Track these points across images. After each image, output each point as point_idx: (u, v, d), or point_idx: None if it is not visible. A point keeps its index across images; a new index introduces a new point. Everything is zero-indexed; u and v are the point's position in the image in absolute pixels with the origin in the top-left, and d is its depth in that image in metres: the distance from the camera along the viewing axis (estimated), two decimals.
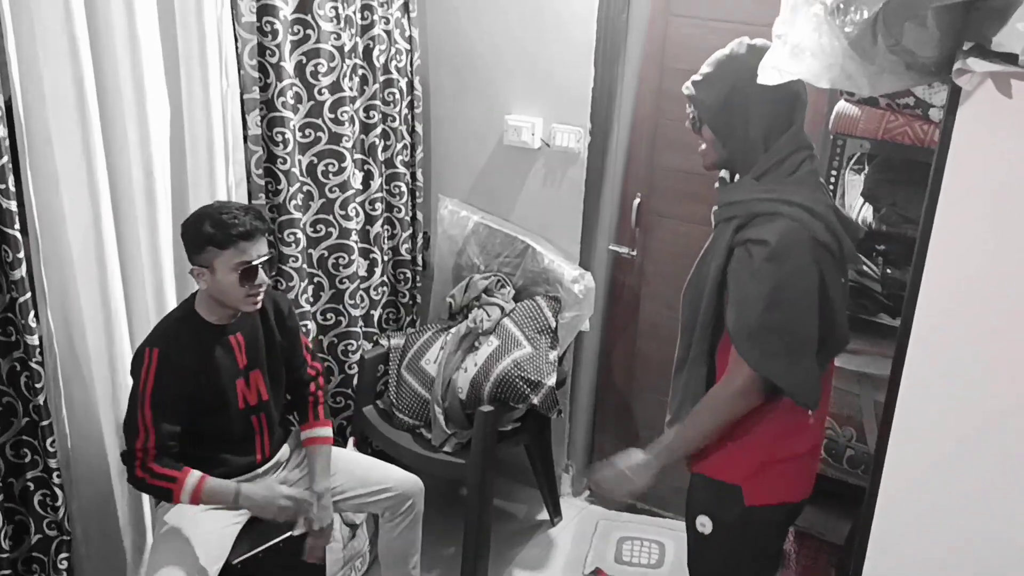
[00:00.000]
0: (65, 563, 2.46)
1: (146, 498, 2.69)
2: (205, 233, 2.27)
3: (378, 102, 3.23)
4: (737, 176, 2.04)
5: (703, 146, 2.03)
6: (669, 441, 2.07)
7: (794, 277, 1.86)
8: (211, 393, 2.40)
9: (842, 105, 2.37)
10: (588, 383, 3.62)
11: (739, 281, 1.91)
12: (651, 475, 2.07)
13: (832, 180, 2.48)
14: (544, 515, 3.58)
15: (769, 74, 1.66)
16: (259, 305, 2.39)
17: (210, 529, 2.41)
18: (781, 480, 2.08)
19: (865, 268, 2.44)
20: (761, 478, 2.05)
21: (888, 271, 2.43)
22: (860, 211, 2.46)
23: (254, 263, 2.31)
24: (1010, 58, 1.33)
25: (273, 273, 2.38)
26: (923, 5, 1.39)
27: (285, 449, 2.65)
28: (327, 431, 2.68)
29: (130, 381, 2.52)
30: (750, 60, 1.85)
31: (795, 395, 1.92)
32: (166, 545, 2.39)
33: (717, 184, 2.10)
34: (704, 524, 2.12)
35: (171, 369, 2.31)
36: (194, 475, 2.33)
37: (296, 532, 2.50)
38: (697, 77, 1.98)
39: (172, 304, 2.63)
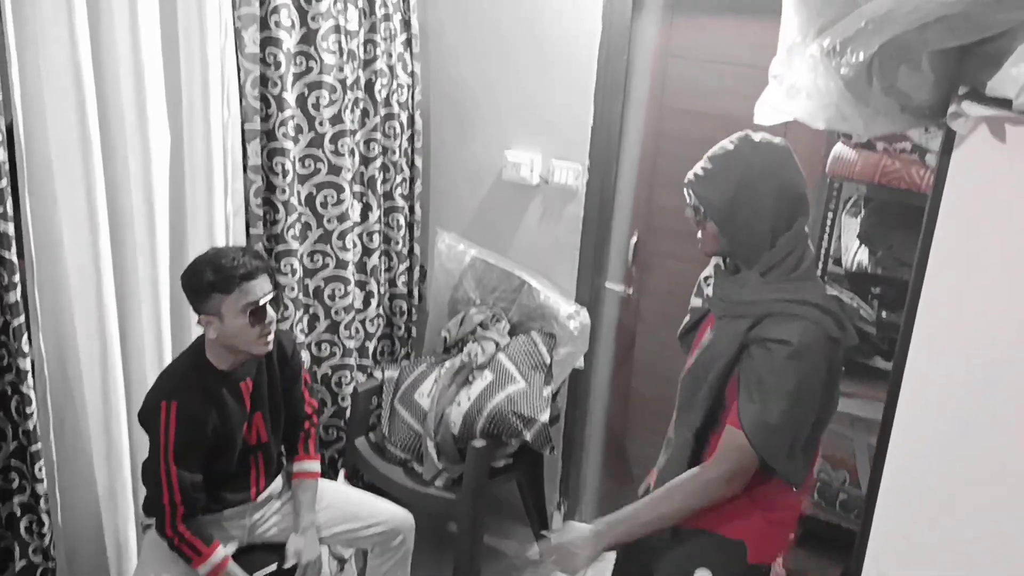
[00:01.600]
0: None
1: (131, 527, 2.66)
2: (207, 281, 2.26)
3: (378, 135, 3.25)
4: (730, 262, 2.05)
5: (701, 234, 2.03)
6: (632, 514, 2.06)
7: (812, 375, 1.90)
8: (222, 439, 2.38)
9: (839, 148, 2.38)
10: (582, 420, 3.60)
11: (759, 377, 1.92)
12: (601, 547, 2.08)
13: (828, 223, 2.49)
14: (535, 552, 3.54)
15: (767, 114, 1.67)
16: (271, 346, 2.37)
17: None
18: (781, 535, 2.11)
19: (861, 312, 2.44)
20: (765, 534, 2.05)
21: (883, 315, 2.43)
22: (856, 254, 2.47)
23: (261, 302, 2.29)
24: (1004, 103, 1.34)
25: (280, 311, 2.36)
26: (918, 49, 1.40)
27: (278, 482, 2.63)
28: (315, 466, 2.67)
29: (122, 410, 2.52)
30: (754, 158, 1.91)
31: (788, 477, 1.95)
32: (152, 569, 2.38)
33: (712, 270, 2.11)
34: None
35: (190, 420, 2.29)
36: (218, 554, 2.35)
37: (287, 565, 2.48)
38: (699, 171, 1.97)
39: (167, 332, 2.63)
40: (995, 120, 1.37)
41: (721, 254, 2.04)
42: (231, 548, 2.48)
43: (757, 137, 1.95)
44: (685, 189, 2.00)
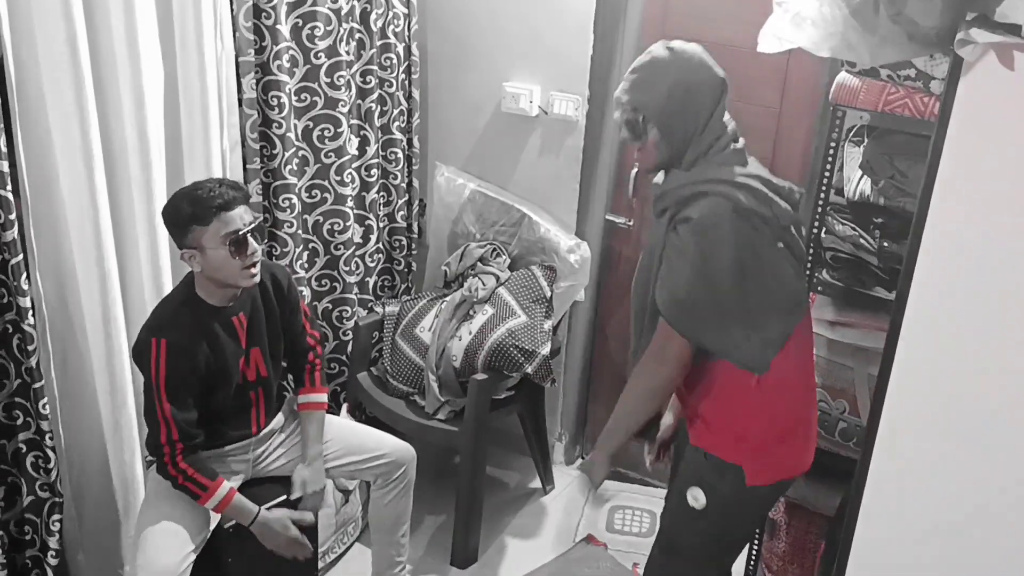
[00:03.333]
0: (57, 525, 2.47)
1: (138, 461, 2.69)
2: (184, 213, 2.24)
3: (375, 67, 3.20)
4: (668, 173, 2.10)
5: (640, 152, 2.07)
6: (611, 418, 2.18)
7: (719, 247, 1.93)
8: (216, 375, 2.38)
9: (843, 76, 2.35)
10: (582, 352, 3.61)
11: (668, 258, 2.00)
12: (604, 455, 2.20)
13: (831, 152, 2.46)
14: (536, 483, 3.59)
15: (769, 42, 1.65)
16: (257, 278, 2.34)
17: None
18: (780, 460, 2.13)
19: (862, 240, 2.43)
20: (763, 459, 2.09)
21: (885, 244, 2.42)
22: (858, 184, 2.45)
23: (241, 232, 2.26)
24: (1014, 29, 1.32)
25: (264, 241, 2.34)
26: None
27: (280, 417, 2.65)
28: (322, 397, 2.68)
29: (124, 345, 2.53)
30: (673, 57, 2.00)
31: (731, 358, 2.00)
32: (157, 503, 2.40)
33: (653, 187, 2.15)
34: (697, 498, 2.14)
35: (180, 357, 2.28)
36: (224, 488, 2.37)
37: (294, 496, 2.51)
38: (627, 85, 2.03)
39: (166, 267, 2.62)
40: (1004, 47, 1.35)
41: (661, 165, 2.08)
42: (236, 482, 2.51)
43: (669, 43, 2.03)
44: (616, 111, 2.06)
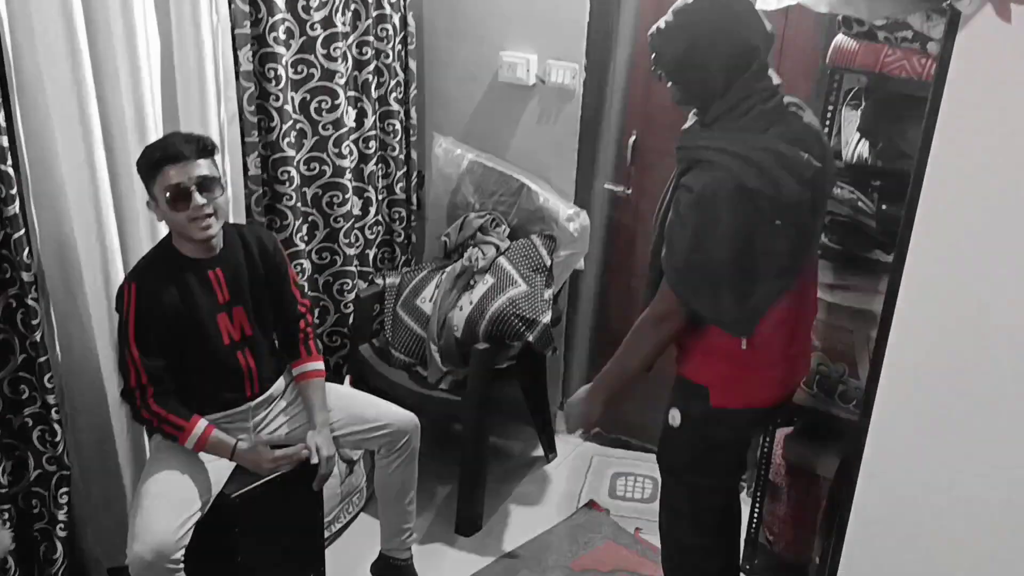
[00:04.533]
0: (65, 497, 2.48)
1: (143, 431, 2.70)
2: (139, 166, 2.32)
3: (371, 38, 3.19)
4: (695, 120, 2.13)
5: (670, 86, 2.11)
6: (607, 368, 2.29)
7: (713, 224, 1.97)
8: (190, 327, 2.40)
9: (840, 38, 2.34)
10: (583, 321, 3.63)
11: (671, 222, 2.06)
12: (598, 401, 2.30)
13: (828, 115, 2.46)
14: (539, 452, 3.62)
15: None
16: (211, 231, 2.34)
17: (206, 458, 2.46)
18: (748, 386, 2.20)
19: (860, 204, 2.44)
20: (728, 382, 2.19)
21: (883, 207, 2.42)
22: (856, 147, 2.45)
23: (182, 185, 2.27)
24: None
25: (217, 195, 2.33)
26: None
27: (280, 383, 2.65)
28: (319, 365, 2.69)
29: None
30: (712, 12, 1.95)
31: (720, 324, 2.09)
32: (157, 469, 2.42)
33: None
34: (675, 417, 2.28)
35: (149, 302, 2.32)
36: (200, 425, 2.40)
37: (313, 461, 2.54)
38: (661, 25, 2.03)
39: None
40: (1001, 0, 1.35)
41: (682, 103, 2.10)
42: None
43: None
44: (649, 45, 2.07)
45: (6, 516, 2.35)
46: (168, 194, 2.27)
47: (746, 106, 1.99)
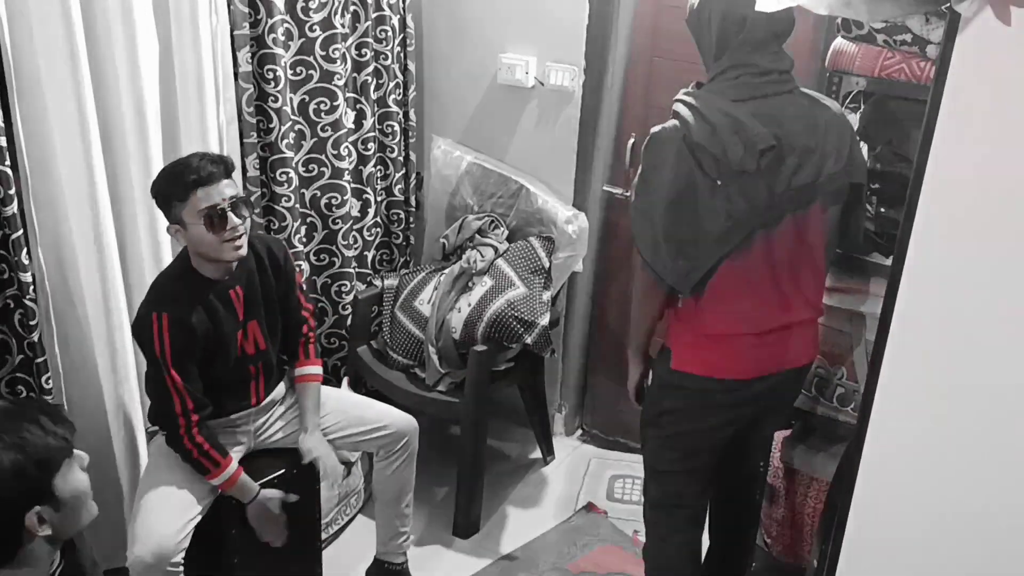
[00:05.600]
0: None
1: (141, 436, 2.70)
2: (164, 190, 2.26)
3: (370, 40, 3.19)
4: None
5: None
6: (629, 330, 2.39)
7: (658, 167, 2.07)
8: (214, 346, 2.39)
9: (839, 42, 2.35)
10: (581, 323, 3.63)
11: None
12: (634, 365, 2.40)
13: None
14: (537, 454, 3.61)
15: (769, 0, 1.64)
16: (243, 251, 2.33)
17: None
18: (704, 354, 2.24)
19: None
20: (686, 347, 2.25)
21: (882, 210, 2.42)
22: None
23: (219, 207, 2.25)
24: None
25: (248, 214, 2.33)
26: None
27: (280, 388, 2.66)
28: (317, 369, 2.70)
29: (124, 320, 2.53)
30: None
31: (662, 276, 2.14)
32: (158, 472, 2.42)
33: None
34: (650, 376, 2.40)
35: (182, 329, 2.29)
36: (232, 467, 2.40)
37: (305, 462, 2.55)
38: None
39: (165, 241, 2.63)
40: (1001, 2, 1.34)
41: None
42: (239, 453, 2.53)
43: None
44: None
45: None
46: (205, 217, 2.24)
47: (734, 74, 2.06)
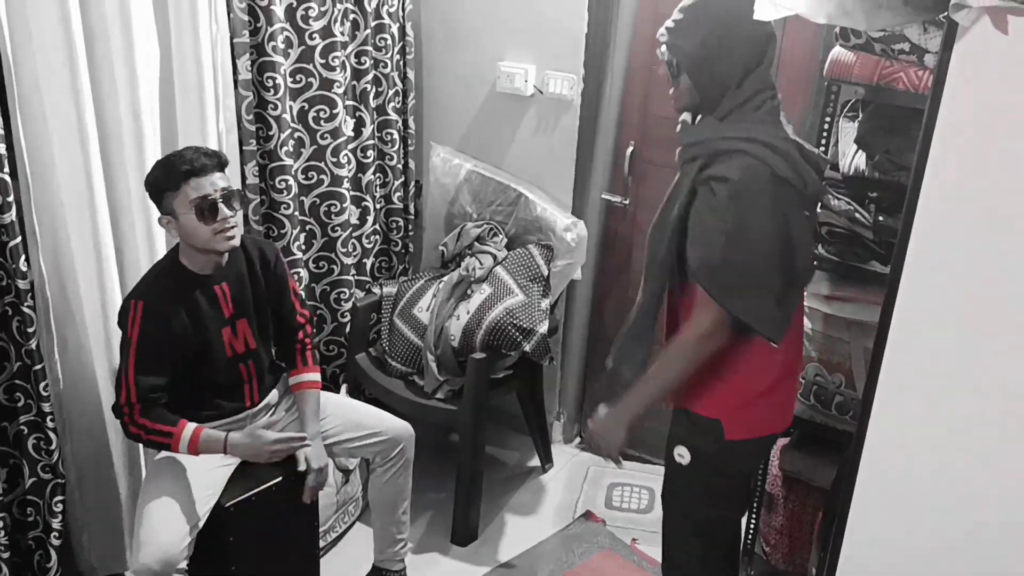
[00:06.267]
0: (60, 506, 2.48)
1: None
2: (156, 180, 2.29)
3: (370, 48, 3.20)
4: (700, 117, 2.05)
5: (674, 90, 2.03)
6: (636, 390, 2.08)
7: (755, 214, 1.87)
8: (196, 343, 2.39)
9: (837, 51, 2.35)
10: (580, 331, 3.63)
11: (702, 218, 1.92)
12: (623, 425, 2.10)
13: (826, 126, 2.47)
14: (535, 462, 3.61)
15: (766, 9, 1.65)
16: (235, 241, 2.35)
17: (203, 468, 2.44)
18: (760, 415, 2.12)
19: (857, 215, 2.44)
20: (741, 414, 2.08)
21: (880, 218, 2.43)
22: (853, 158, 2.45)
23: (210, 197, 2.28)
24: None
25: (239, 208, 2.35)
26: None
27: (275, 393, 2.66)
28: (315, 376, 2.70)
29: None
30: (724, 5, 1.90)
31: (761, 329, 1.94)
32: (159, 479, 2.41)
33: (679, 126, 2.10)
34: (682, 455, 2.16)
35: (156, 320, 2.30)
36: (189, 428, 2.35)
37: (300, 468, 2.53)
38: (670, 24, 1.97)
39: (162, 247, 2.63)
40: (998, 11, 1.35)
41: (693, 108, 2.03)
42: (236, 460, 2.52)
43: None
44: (658, 48, 2.00)
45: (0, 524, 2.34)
46: (196, 207, 2.27)
47: (760, 99, 1.94)
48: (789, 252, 1.92)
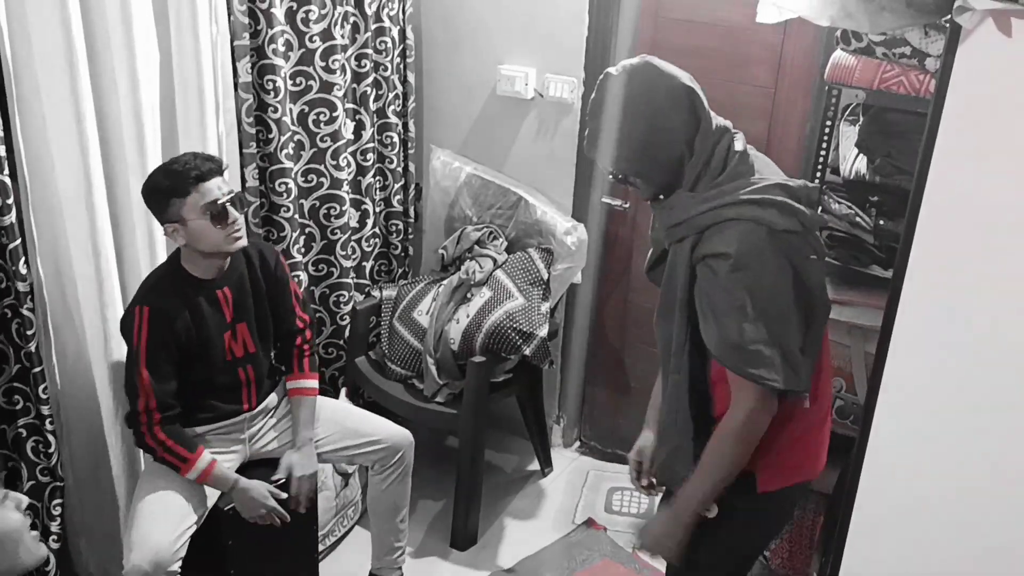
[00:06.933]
0: (59, 509, 2.47)
1: None
2: (162, 187, 2.28)
3: (370, 51, 3.19)
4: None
5: (632, 189, 1.95)
6: (693, 491, 1.91)
7: (764, 279, 1.76)
8: (198, 346, 2.40)
9: (838, 55, 2.35)
10: (580, 334, 3.62)
11: (711, 299, 1.80)
12: (684, 525, 1.93)
13: (826, 130, 2.47)
14: (535, 466, 3.60)
15: (769, 12, 1.65)
16: (243, 241, 2.37)
17: None
18: (795, 462, 1.99)
19: (858, 219, 2.44)
20: (776, 463, 1.94)
21: (881, 223, 2.43)
22: (854, 162, 2.45)
23: (220, 201, 2.30)
24: None
25: (244, 210, 2.37)
26: None
27: (273, 397, 2.65)
28: (312, 383, 2.69)
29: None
30: (628, 100, 1.80)
31: (796, 386, 1.80)
32: (153, 480, 2.41)
33: (653, 208, 1.97)
34: (709, 508, 1.94)
35: (161, 324, 2.30)
36: (204, 459, 2.38)
37: (277, 477, 2.53)
38: (590, 144, 1.88)
39: (161, 251, 2.63)
40: (1001, 14, 1.35)
41: (661, 193, 1.89)
42: (234, 461, 2.52)
43: (615, 71, 1.83)
44: (601, 163, 1.90)
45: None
46: (209, 211, 2.28)
47: (720, 155, 1.83)
48: (806, 302, 1.81)
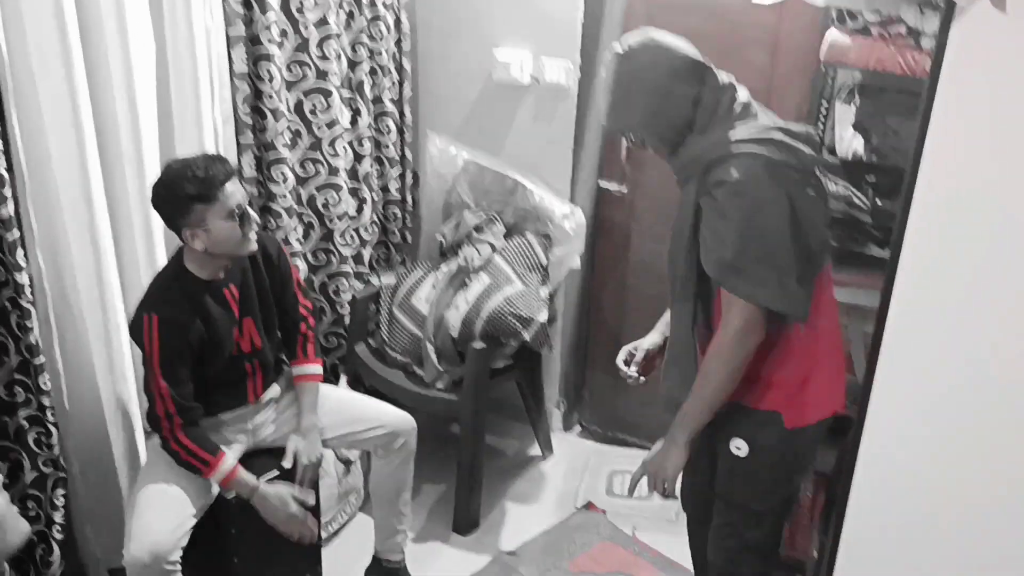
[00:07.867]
0: (62, 500, 2.48)
1: (139, 434, 2.70)
2: (188, 194, 2.23)
3: (365, 38, 3.19)
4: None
5: (649, 150, 2.11)
6: (688, 410, 2.07)
7: (759, 204, 1.91)
8: (208, 346, 2.39)
9: (834, 34, 2.35)
10: (579, 319, 3.63)
11: (711, 225, 1.96)
12: (682, 446, 2.08)
13: (823, 111, 2.47)
14: (535, 450, 3.62)
15: None
16: (255, 244, 2.39)
17: None
18: (816, 399, 2.11)
19: (855, 199, 2.44)
20: (799, 401, 2.08)
21: (878, 202, 2.43)
22: (851, 142, 2.46)
23: (243, 204, 2.31)
24: None
25: (254, 209, 2.39)
26: None
27: (276, 388, 2.66)
28: (316, 368, 2.70)
29: (121, 320, 2.53)
30: (642, 68, 1.99)
31: (787, 311, 1.95)
32: (155, 469, 2.42)
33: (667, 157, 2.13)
34: (740, 447, 2.12)
35: (172, 332, 2.30)
36: (227, 463, 2.38)
37: (285, 463, 2.54)
38: (604, 108, 2.07)
39: (160, 240, 2.63)
40: None
41: (673, 149, 2.07)
42: (237, 451, 2.52)
43: (627, 44, 2.01)
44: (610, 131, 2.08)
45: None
46: (235, 214, 2.28)
47: (725, 104, 2.00)
48: (800, 232, 1.93)
